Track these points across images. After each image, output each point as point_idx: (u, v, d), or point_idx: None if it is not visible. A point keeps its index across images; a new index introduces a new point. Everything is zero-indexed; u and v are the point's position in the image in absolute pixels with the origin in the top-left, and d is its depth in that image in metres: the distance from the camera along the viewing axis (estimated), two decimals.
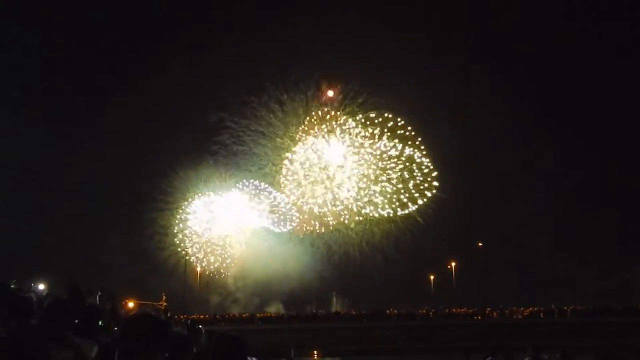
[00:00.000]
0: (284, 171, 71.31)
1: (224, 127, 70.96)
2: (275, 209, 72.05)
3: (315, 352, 53.27)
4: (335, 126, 70.59)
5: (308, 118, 71.04)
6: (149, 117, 74.52)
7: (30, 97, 73.29)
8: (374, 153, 70.48)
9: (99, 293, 17.61)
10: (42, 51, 74.66)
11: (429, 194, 69.89)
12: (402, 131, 69.78)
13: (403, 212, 70.48)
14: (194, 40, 79.28)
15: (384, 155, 70.25)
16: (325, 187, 70.30)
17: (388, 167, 70.58)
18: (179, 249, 71.57)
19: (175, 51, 78.61)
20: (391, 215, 70.48)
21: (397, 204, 70.44)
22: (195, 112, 75.90)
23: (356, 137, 70.45)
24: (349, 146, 70.62)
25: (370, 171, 70.45)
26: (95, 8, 77.21)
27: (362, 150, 70.58)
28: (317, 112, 70.81)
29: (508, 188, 76.75)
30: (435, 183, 70.09)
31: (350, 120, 70.71)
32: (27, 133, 71.31)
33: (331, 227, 71.43)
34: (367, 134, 70.39)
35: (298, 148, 71.00)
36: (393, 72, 70.33)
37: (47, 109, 73.19)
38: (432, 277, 71.94)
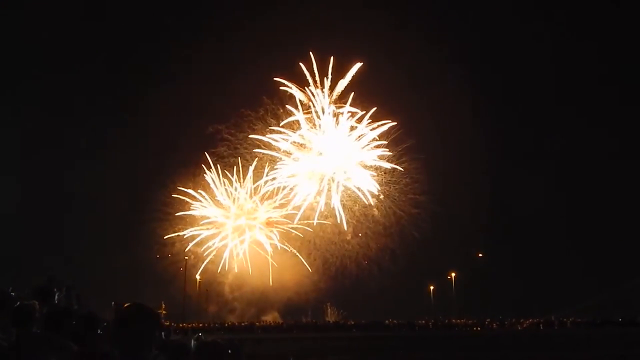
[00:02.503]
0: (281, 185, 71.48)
1: (221, 139, 71.30)
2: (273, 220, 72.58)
3: None
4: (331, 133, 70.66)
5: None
6: (147, 128, 75.20)
7: (33, 104, 73.86)
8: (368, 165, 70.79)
9: (57, 292, 17.42)
10: (46, 58, 75.20)
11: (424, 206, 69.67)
12: (402, 145, 69.73)
13: (399, 225, 70.36)
14: (192, 51, 79.84)
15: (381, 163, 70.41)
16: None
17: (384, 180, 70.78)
18: (178, 258, 71.86)
19: (172, 62, 79.25)
20: (387, 227, 70.54)
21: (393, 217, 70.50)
22: (193, 124, 76.39)
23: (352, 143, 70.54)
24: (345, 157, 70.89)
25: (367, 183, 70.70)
26: (93, 18, 77.74)
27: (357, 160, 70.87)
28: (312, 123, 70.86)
29: (508, 198, 76.82)
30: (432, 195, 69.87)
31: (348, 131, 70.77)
32: (27, 141, 71.78)
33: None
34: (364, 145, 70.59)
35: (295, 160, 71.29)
36: (392, 82, 70.39)
37: (49, 116, 73.67)
38: (431, 288, 71.84)
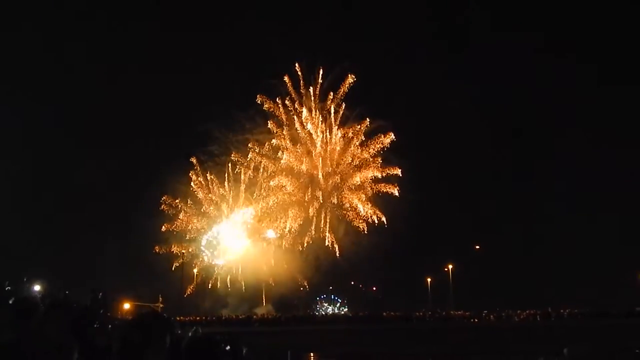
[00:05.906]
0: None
1: (212, 138, 71.48)
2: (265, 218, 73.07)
3: (311, 354, 53.18)
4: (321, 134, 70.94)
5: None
6: (142, 125, 75.86)
7: (34, 106, 74.48)
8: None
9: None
10: (45, 57, 75.63)
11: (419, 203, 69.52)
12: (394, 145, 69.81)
13: (393, 222, 70.39)
14: (186, 50, 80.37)
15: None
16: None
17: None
18: (175, 252, 72.14)
19: (166, 60, 79.63)
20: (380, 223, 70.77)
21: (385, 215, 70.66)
22: (185, 121, 76.94)
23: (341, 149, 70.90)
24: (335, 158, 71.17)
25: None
26: (91, 21, 78.59)
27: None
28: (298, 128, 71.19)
29: (505, 191, 77.08)
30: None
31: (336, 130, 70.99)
32: (26, 138, 72.28)
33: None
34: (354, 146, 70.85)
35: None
36: (383, 83, 70.73)
37: (50, 116, 74.46)
38: (429, 280, 71.98)
